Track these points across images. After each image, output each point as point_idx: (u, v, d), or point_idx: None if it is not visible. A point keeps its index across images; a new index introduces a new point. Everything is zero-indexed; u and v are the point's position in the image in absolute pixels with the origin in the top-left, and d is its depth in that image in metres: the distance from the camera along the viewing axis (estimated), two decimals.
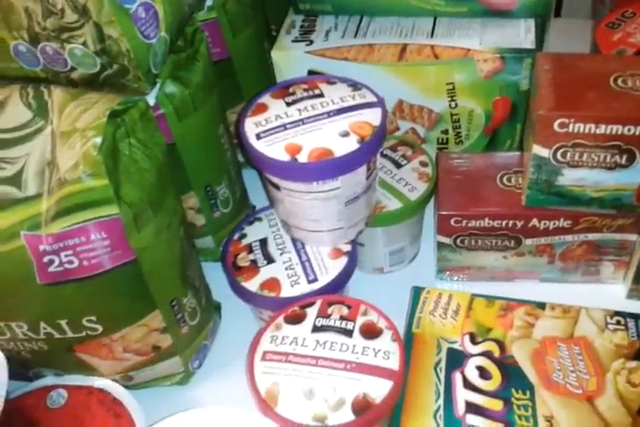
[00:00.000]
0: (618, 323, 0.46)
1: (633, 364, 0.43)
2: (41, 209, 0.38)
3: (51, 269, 0.40)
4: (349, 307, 0.44)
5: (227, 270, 0.50)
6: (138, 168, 0.41)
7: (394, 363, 0.41)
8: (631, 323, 0.46)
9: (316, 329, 0.43)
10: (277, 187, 0.45)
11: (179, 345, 0.48)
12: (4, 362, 0.44)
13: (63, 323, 0.43)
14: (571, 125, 0.41)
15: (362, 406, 0.39)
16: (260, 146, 0.43)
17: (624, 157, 0.42)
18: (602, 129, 0.41)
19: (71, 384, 0.50)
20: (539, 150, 0.43)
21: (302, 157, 0.42)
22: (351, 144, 0.42)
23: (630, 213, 0.46)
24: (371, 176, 0.46)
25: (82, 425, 0.48)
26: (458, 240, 0.51)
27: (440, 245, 0.51)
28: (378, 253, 0.54)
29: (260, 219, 0.53)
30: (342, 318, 0.44)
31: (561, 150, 0.43)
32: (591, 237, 0.49)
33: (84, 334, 0.44)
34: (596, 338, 0.46)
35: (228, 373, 0.50)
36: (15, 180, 0.38)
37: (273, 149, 0.43)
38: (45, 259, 0.39)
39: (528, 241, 0.50)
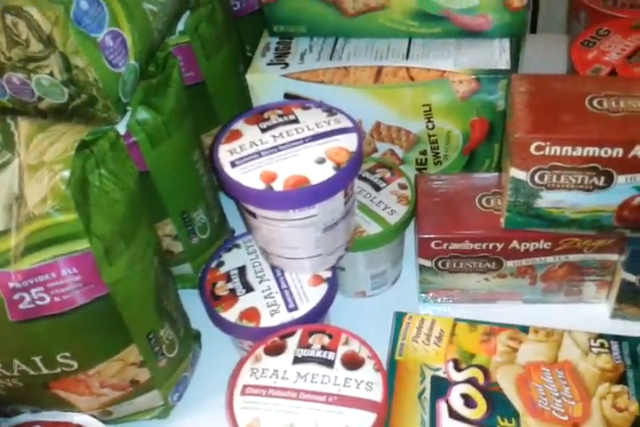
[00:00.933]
0: (601, 346, 0.46)
1: (618, 388, 0.43)
2: (9, 245, 0.37)
3: (22, 306, 0.38)
4: (330, 336, 0.43)
5: (205, 300, 0.49)
6: (109, 200, 0.40)
7: (377, 394, 0.40)
8: (615, 346, 0.45)
9: (296, 361, 0.42)
10: (254, 215, 0.45)
11: (157, 378, 0.47)
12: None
13: (37, 360, 0.42)
14: (547, 148, 0.41)
15: None
16: (235, 174, 0.42)
17: (602, 179, 0.42)
18: (578, 152, 0.41)
19: (49, 421, 0.48)
20: (516, 173, 0.43)
21: (278, 185, 0.41)
22: (327, 171, 0.42)
23: (610, 233, 0.46)
24: (349, 202, 0.46)
25: None
26: (439, 263, 0.50)
27: (421, 268, 0.51)
28: (359, 277, 0.53)
29: (237, 245, 0.52)
30: (323, 347, 0.43)
31: (538, 173, 0.42)
32: (572, 258, 0.48)
33: (58, 370, 0.43)
34: (580, 362, 0.45)
35: (209, 405, 0.49)
36: None
37: (248, 177, 0.42)
38: (16, 296, 0.38)
39: (509, 263, 0.49)
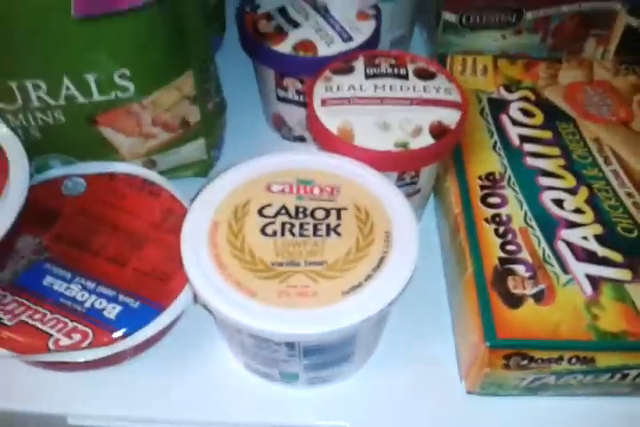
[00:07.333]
0: (626, 69, 0.56)
1: None
2: None
3: None
4: (396, 58, 0.47)
5: (248, 38, 0.49)
6: None
7: (456, 97, 0.45)
8: (638, 68, 0.56)
9: (369, 77, 0.45)
10: None
11: (205, 123, 0.48)
12: (17, 140, 0.40)
13: (91, 79, 0.40)
14: None
15: (440, 131, 0.44)
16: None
17: None
18: None
19: (88, 173, 0.46)
20: None
21: None
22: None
23: None
24: None
25: (113, 209, 0.46)
26: (463, 18, 0.58)
27: (445, 26, 0.58)
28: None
29: None
30: (392, 65, 0.46)
31: None
32: (583, 6, 0.58)
33: (112, 96, 0.41)
34: (613, 80, 0.55)
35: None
36: None
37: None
38: None
39: (528, 15, 0.59)
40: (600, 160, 0.50)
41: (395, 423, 0.45)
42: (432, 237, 0.55)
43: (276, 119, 0.60)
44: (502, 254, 0.45)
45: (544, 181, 0.49)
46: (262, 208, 0.42)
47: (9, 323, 0.42)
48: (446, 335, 0.49)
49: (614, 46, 0.62)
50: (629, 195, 0.48)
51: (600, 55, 0.64)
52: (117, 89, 0.42)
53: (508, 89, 0.55)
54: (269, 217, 0.41)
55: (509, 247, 0.45)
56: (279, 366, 0.43)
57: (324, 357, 0.42)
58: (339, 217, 0.41)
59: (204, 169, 0.54)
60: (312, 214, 0.41)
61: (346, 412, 0.45)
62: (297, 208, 0.42)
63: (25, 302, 0.43)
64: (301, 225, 0.41)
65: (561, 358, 0.41)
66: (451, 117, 0.45)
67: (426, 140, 0.44)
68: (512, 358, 0.41)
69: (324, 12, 0.52)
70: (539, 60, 0.58)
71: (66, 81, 0.40)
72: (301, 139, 0.60)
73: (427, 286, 0.51)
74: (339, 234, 0.41)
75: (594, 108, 0.53)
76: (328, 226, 0.41)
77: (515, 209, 0.47)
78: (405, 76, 0.46)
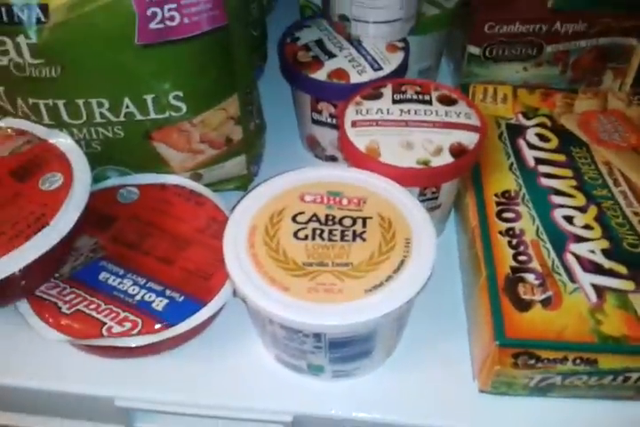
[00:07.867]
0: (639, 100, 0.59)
1: None
2: None
3: (152, 25, 0.40)
4: (421, 86, 0.51)
5: (288, 67, 0.54)
6: None
7: (476, 121, 0.50)
8: None
9: (396, 102, 0.50)
10: None
11: (247, 141, 0.52)
12: (81, 152, 0.44)
13: (149, 99, 0.44)
14: None
15: (459, 151, 0.47)
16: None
17: None
18: None
19: (141, 183, 0.51)
20: None
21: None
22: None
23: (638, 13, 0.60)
24: None
25: (162, 215, 0.50)
26: (487, 51, 0.62)
27: (470, 58, 0.63)
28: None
29: (307, 26, 0.58)
30: (417, 92, 0.50)
31: None
32: (601, 41, 0.62)
33: (167, 114, 0.45)
34: (626, 110, 0.58)
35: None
36: None
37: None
38: (149, 11, 0.39)
39: (548, 48, 0.63)
40: (610, 182, 0.54)
41: (411, 419, 0.49)
42: (452, 251, 0.59)
43: (310, 140, 0.65)
44: (514, 264, 0.49)
45: (556, 199, 0.53)
46: (296, 215, 0.46)
47: (67, 311, 0.47)
48: (462, 340, 0.52)
49: (631, 79, 0.66)
50: (636, 214, 0.52)
51: (618, 87, 0.68)
52: (171, 109, 0.46)
53: (526, 116, 0.58)
54: (302, 223, 0.46)
55: (521, 257, 0.49)
56: (307, 358, 0.47)
57: (348, 350, 0.45)
58: (364, 225, 0.46)
59: (244, 183, 0.58)
60: (340, 222, 0.46)
61: (365, 406, 0.49)
62: (327, 216, 0.46)
63: (82, 293, 0.48)
64: (330, 231, 0.45)
65: (566, 359, 0.45)
66: (470, 139, 0.49)
67: (446, 158, 0.48)
68: (520, 357, 0.45)
69: (357, 45, 0.57)
70: (556, 90, 0.61)
71: (126, 100, 0.45)
72: (332, 158, 0.65)
73: (445, 295, 0.55)
74: (363, 239, 0.45)
75: (606, 135, 0.57)
76: (354, 232, 0.45)
77: (527, 224, 0.51)
78: (429, 102, 0.51)
